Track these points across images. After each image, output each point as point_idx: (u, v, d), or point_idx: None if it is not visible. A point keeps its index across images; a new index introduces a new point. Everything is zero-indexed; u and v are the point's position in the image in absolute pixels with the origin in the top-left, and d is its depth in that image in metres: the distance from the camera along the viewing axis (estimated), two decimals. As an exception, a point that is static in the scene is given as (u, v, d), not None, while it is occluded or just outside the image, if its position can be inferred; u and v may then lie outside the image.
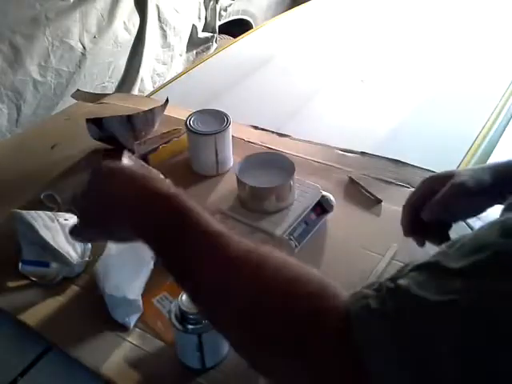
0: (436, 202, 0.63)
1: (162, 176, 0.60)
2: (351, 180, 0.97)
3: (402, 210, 0.69)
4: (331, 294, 0.40)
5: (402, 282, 0.37)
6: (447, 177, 0.65)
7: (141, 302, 0.74)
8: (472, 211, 0.66)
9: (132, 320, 0.73)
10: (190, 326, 0.62)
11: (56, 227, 0.82)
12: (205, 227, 0.46)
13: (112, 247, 0.78)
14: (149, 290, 0.76)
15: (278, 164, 0.85)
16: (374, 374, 0.35)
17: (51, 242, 0.79)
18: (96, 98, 1.32)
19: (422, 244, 0.69)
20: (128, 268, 0.76)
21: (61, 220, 0.84)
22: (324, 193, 0.86)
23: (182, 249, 0.46)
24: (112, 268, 0.76)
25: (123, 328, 0.72)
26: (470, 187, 0.61)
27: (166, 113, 1.10)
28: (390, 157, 1.03)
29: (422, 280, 0.36)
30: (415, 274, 0.37)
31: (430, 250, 0.70)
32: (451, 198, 0.63)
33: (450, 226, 0.68)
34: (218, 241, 0.45)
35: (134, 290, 0.74)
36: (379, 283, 0.38)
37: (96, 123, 1.01)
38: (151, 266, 0.77)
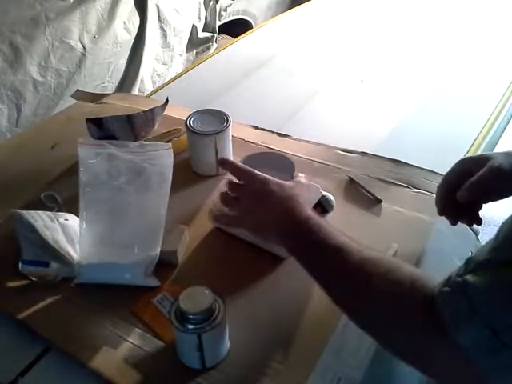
0: (475, 183, 0.67)
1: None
2: (351, 180, 0.97)
3: (437, 189, 0.74)
4: (419, 288, 0.52)
5: (468, 277, 0.47)
6: (483, 159, 0.68)
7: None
8: (504, 193, 0.70)
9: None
10: (190, 326, 0.62)
11: (56, 227, 0.82)
12: (328, 241, 0.61)
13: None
14: (149, 290, 0.77)
15: (278, 164, 0.85)
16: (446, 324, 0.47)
17: (51, 242, 0.79)
18: (96, 97, 1.32)
19: (454, 223, 0.74)
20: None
21: (61, 220, 0.84)
22: (324, 193, 0.86)
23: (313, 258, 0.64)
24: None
25: (123, 328, 0.72)
26: (507, 170, 0.65)
27: (166, 113, 1.10)
28: (389, 157, 1.03)
29: (483, 277, 0.46)
30: (477, 271, 0.47)
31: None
32: (489, 180, 0.66)
33: (481, 207, 0.72)
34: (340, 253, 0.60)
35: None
36: (453, 281, 0.48)
37: (96, 123, 1.01)
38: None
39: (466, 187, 0.68)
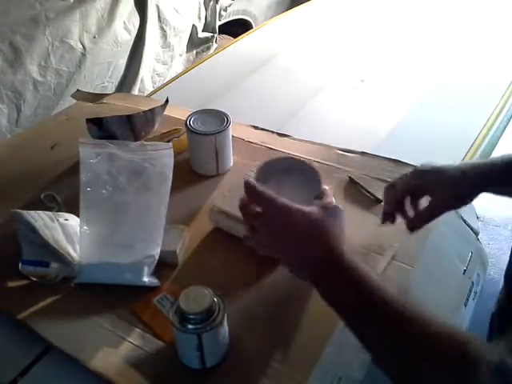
0: (425, 217, 0.75)
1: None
2: (351, 180, 0.97)
3: (384, 197, 0.78)
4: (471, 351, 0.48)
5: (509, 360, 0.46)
6: (437, 174, 0.72)
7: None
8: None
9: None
10: (190, 326, 0.62)
11: (56, 227, 0.82)
12: (370, 289, 0.55)
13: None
14: (149, 290, 0.77)
15: (301, 175, 0.70)
16: None
17: (51, 242, 0.79)
18: (96, 97, 1.32)
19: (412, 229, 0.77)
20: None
21: (61, 220, 0.84)
22: (324, 193, 0.86)
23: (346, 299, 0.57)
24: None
25: (123, 328, 0.72)
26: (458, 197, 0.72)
27: (166, 113, 1.10)
28: (389, 157, 1.03)
29: None
30: None
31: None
32: (440, 209, 0.74)
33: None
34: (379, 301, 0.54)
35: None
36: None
37: (96, 123, 1.01)
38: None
39: (416, 219, 0.75)
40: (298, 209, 0.59)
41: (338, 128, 1.35)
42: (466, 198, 0.73)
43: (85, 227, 0.81)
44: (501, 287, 1.02)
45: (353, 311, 0.56)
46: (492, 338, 0.87)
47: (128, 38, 2.08)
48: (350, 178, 0.98)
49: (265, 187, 0.61)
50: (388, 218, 0.78)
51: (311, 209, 0.60)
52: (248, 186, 0.60)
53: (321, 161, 1.03)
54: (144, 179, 0.86)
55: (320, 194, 0.65)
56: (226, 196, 0.87)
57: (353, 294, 0.56)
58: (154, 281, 0.78)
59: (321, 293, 0.58)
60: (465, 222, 0.93)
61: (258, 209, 0.60)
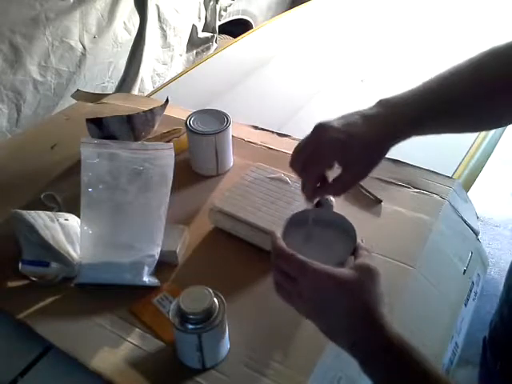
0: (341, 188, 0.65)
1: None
2: (351, 180, 0.97)
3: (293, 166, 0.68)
4: None
5: None
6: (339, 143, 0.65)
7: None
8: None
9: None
10: (190, 326, 0.62)
11: (56, 227, 0.82)
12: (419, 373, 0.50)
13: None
14: (149, 290, 0.77)
15: (334, 231, 0.64)
16: None
17: (51, 242, 0.79)
18: (96, 97, 1.32)
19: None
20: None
21: (61, 220, 0.84)
22: (324, 193, 0.86)
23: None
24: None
25: (123, 328, 0.72)
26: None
27: (165, 113, 1.10)
28: (389, 157, 1.03)
29: None
30: None
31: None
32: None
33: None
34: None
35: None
36: None
37: (96, 123, 1.01)
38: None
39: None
40: (329, 275, 0.54)
41: (338, 128, 1.34)
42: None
43: (85, 227, 0.81)
44: (495, 310, 0.92)
45: None
46: (486, 363, 0.85)
47: (128, 38, 2.08)
48: (350, 178, 0.98)
49: (293, 246, 0.57)
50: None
51: (346, 275, 0.54)
52: (275, 246, 0.57)
53: (321, 161, 1.03)
54: (144, 179, 0.86)
55: (354, 251, 0.60)
56: (226, 196, 0.87)
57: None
58: (154, 281, 0.78)
59: (361, 367, 0.54)
60: (465, 221, 0.94)
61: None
